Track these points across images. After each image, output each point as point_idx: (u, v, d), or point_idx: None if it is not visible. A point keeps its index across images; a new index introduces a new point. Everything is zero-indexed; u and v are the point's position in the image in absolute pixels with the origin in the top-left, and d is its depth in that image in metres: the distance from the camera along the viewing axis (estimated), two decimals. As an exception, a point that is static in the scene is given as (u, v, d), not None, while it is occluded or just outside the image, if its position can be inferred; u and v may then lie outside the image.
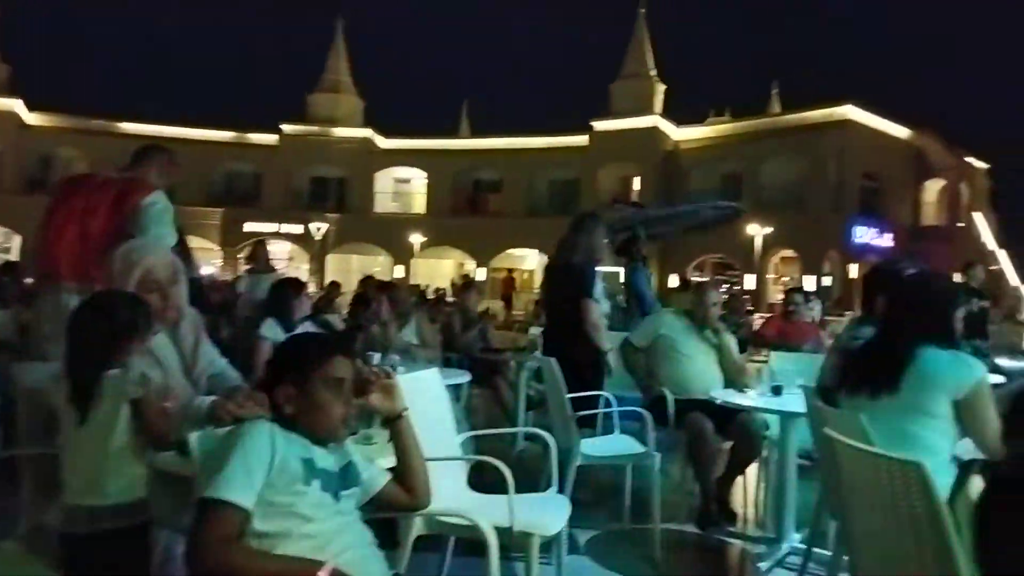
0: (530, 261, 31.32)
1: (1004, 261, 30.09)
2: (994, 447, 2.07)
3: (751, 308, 17.09)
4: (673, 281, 28.26)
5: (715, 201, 9.38)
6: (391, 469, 1.84)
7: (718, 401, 3.68)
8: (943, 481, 1.99)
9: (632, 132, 28.84)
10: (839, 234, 26.94)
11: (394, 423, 1.83)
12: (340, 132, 32.40)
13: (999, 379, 5.71)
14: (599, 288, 4.27)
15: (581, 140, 30.43)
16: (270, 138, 32.64)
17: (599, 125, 30.00)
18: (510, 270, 26.02)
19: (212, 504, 1.42)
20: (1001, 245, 30.43)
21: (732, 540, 3.70)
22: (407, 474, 1.81)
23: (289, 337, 1.91)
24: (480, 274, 30.86)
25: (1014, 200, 30.14)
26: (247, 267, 8.29)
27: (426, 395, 2.67)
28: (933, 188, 30.35)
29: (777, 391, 3.58)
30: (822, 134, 26.67)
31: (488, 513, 2.33)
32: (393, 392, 1.82)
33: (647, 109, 29.59)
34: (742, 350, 9.51)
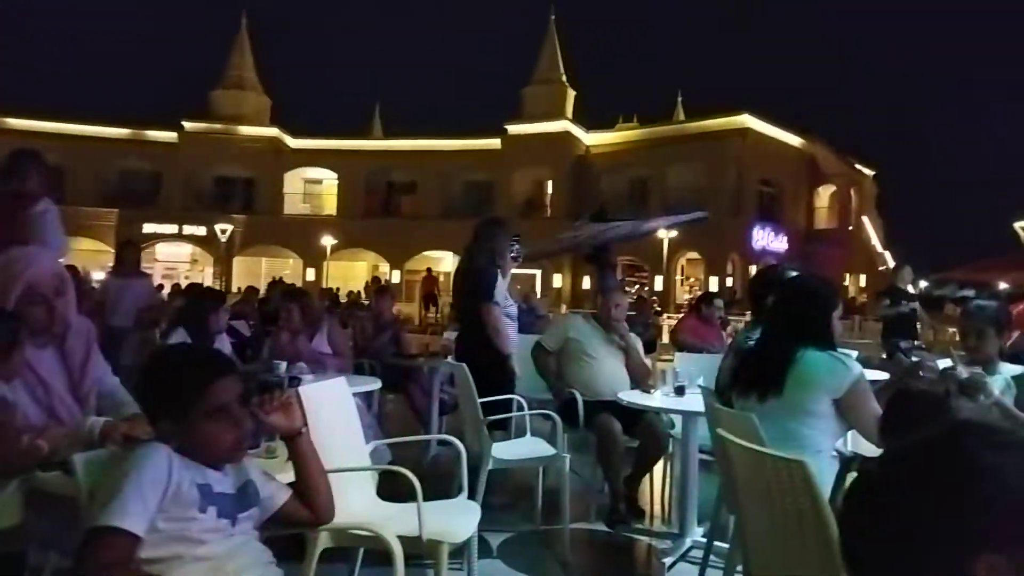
0: (446, 263, 31.20)
1: (890, 262, 32.29)
2: (877, 438, 2.21)
3: (659, 309, 17.69)
4: (586, 283, 28.88)
5: (686, 214, 9.46)
6: (293, 484, 1.79)
7: (624, 402, 3.77)
8: (829, 477, 2.12)
9: (544, 136, 29.24)
10: (740, 237, 28.20)
11: (293, 441, 1.75)
12: (246, 131, 31.30)
13: (882, 375, 6.13)
14: (501, 292, 4.24)
15: (495, 143, 30.58)
16: (170, 136, 31.17)
17: (512, 128, 30.25)
18: (429, 270, 25.80)
19: (103, 531, 1.36)
20: (886, 246, 32.64)
21: (639, 537, 3.81)
22: (307, 491, 1.75)
23: (153, 363, 1.69)
24: (395, 277, 30.53)
25: (897, 204, 32.31)
26: (110, 271, 7.49)
27: (333, 404, 2.63)
28: (825, 193, 32.23)
29: (680, 391, 3.72)
30: (723, 141, 27.85)
31: (397, 523, 2.31)
32: (291, 410, 1.74)
33: (559, 114, 30.06)
34: (650, 351, 9.78)
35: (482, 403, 3.69)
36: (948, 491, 0.72)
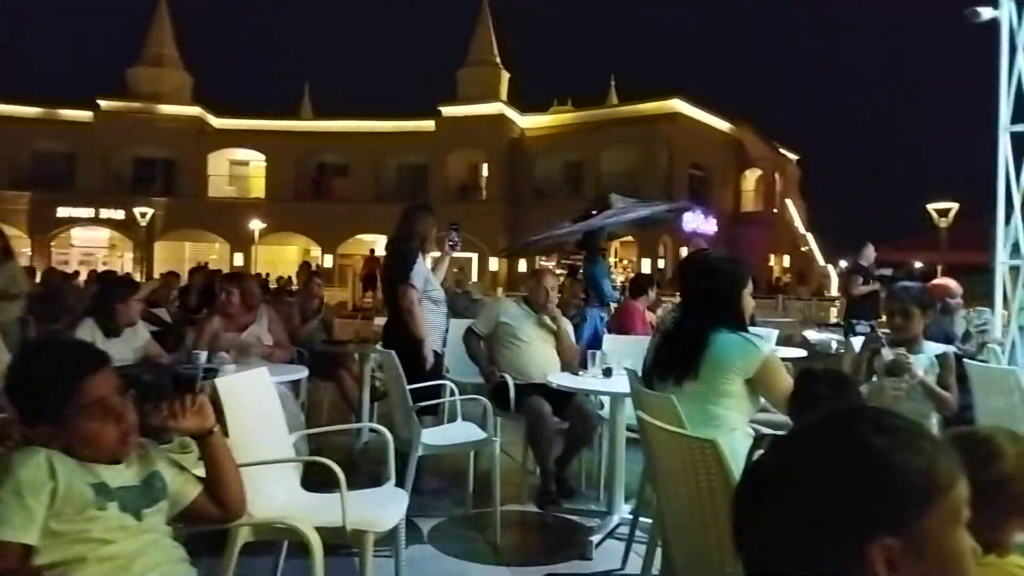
0: (380, 247, 30.82)
1: (812, 243, 33.57)
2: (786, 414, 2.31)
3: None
4: (522, 266, 29.01)
5: (672, 203, 9.26)
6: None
7: (553, 385, 3.82)
8: (742, 455, 2.19)
9: (479, 118, 29.08)
10: (672, 220, 28.79)
11: (204, 439, 1.70)
12: (166, 110, 30.02)
13: (800, 352, 6.35)
14: (421, 275, 4.16)
15: (429, 125, 30.24)
16: (85, 115, 29.61)
17: (447, 111, 29.95)
18: (372, 251, 25.36)
19: None
20: (808, 229, 33.90)
21: (569, 516, 3.87)
22: (218, 488, 1.70)
23: (21, 362, 1.61)
24: (327, 261, 29.95)
25: (818, 188, 33.57)
26: None
27: (255, 395, 2.57)
28: (752, 177, 33.19)
29: (608, 373, 3.78)
30: (654, 126, 28.29)
31: (319, 513, 2.29)
32: (203, 410, 1.68)
33: (493, 96, 29.92)
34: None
35: (413, 389, 3.67)
36: (840, 476, 0.72)
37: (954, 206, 17.32)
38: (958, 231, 18.05)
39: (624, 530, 3.39)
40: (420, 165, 30.48)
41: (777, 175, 32.53)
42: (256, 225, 28.21)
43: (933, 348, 2.88)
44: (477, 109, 29.28)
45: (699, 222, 29.63)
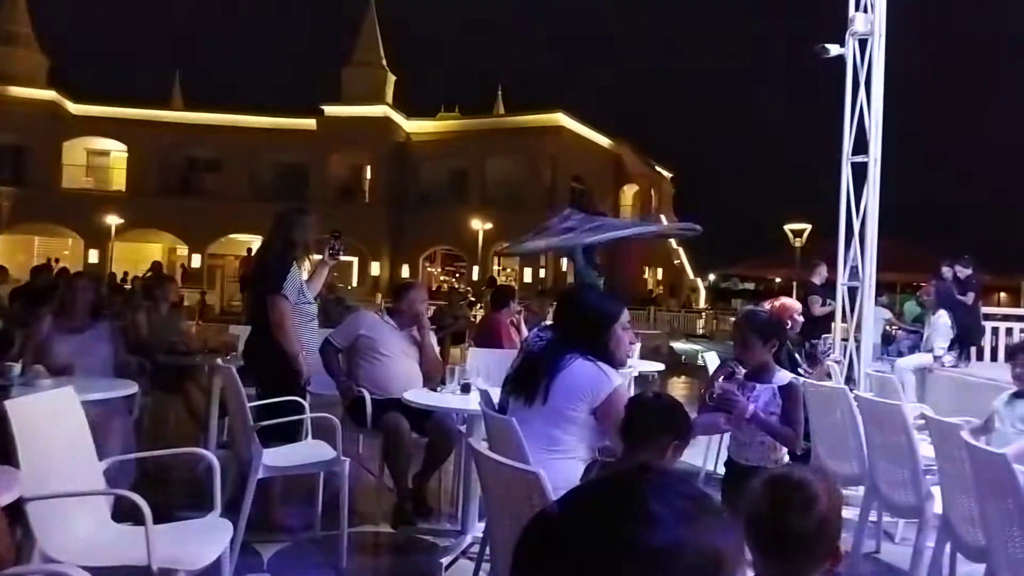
0: (255, 248, 29.51)
1: (683, 258, 35.24)
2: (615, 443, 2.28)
3: (473, 299, 17.91)
4: (405, 272, 28.63)
5: (676, 223, 8.33)
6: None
7: (406, 402, 3.70)
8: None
9: (363, 120, 28.48)
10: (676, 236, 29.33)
11: None
12: (17, 92, 27.38)
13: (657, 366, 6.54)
14: (294, 285, 3.86)
15: (310, 123, 29.30)
16: (-80, 92, 26.54)
17: (329, 110, 29.14)
18: (249, 250, 24.09)
19: None
20: (680, 244, 35.56)
21: (423, 536, 3.76)
22: None
23: None
24: (195, 260, 28.31)
25: (690, 205, 35.33)
26: None
27: (57, 418, 2.29)
28: (630, 192, 34.47)
29: (466, 388, 3.71)
30: (539, 138, 28.79)
31: (126, 550, 2.06)
32: None
33: (378, 98, 29.41)
34: (460, 342, 9.77)
35: (269, 404, 3.48)
36: (617, 538, 0.68)
37: (808, 227, 18.67)
38: (814, 250, 19.48)
39: (476, 549, 3.31)
40: (300, 164, 29.45)
41: (653, 191, 33.94)
42: (114, 220, 26.21)
43: (782, 378, 2.67)
44: (361, 110, 28.67)
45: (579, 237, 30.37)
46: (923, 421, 3.25)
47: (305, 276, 4.09)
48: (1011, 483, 2.20)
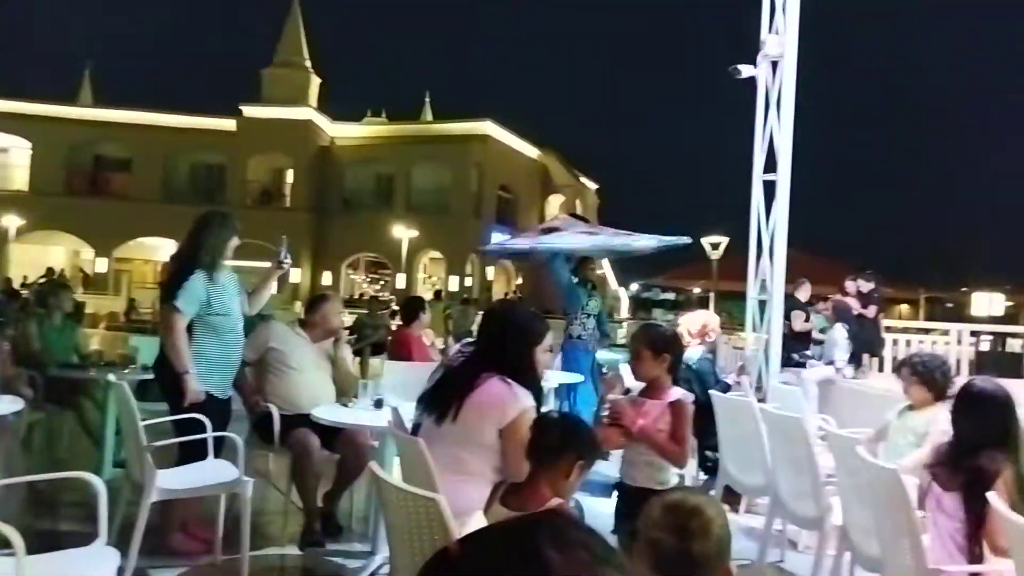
0: (166, 252, 28.26)
1: (607, 268, 35.85)
2: (515, 474, 2.14)
3: (396, 308, 17.64)
4: (327, 279, 28.01)
5: (665, 238, 7.76)
6: None
7: (314, 418, 3.57)
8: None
9: (285, 122, 27.74)
10: (479, 239, 29.35)
11: None
12: (-97, 80, 25.44)
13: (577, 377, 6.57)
14: (197, 296, 3.54)
15: (229, 124, 28.33)
16: None
17: (249, 111, 28.27)
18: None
19: None
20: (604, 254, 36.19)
21: (331, 558, 3.64)
22: None
23: None
24: (101, 265, 26.90)
25: (614, 217, 36.01)
26: None
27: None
28: (556, 202, 34.81)
29: (379, 404, 3.61)
30: (466, 145, 28.76)
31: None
32: None
33: (301, 100, 28.76)
34: (380, 352, 9.55)
35: (176, 422, 3.34)
36: None
37: (725, 240, 19.30)
38: (730, 262, 20.13)
39: (386, 570, 3.22)
40: (217, 166, 28.46)
41: (578, 202, 34.40)
42: (12, 221, 24.62)
43: (673, 394, 2.61)
44: (283, 112, 27.94)
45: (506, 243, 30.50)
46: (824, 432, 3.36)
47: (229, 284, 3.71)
48: (901, 496, 2.28)
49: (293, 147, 27.87)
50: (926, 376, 3.22)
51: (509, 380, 2.37)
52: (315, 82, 29.96)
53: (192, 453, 3.46)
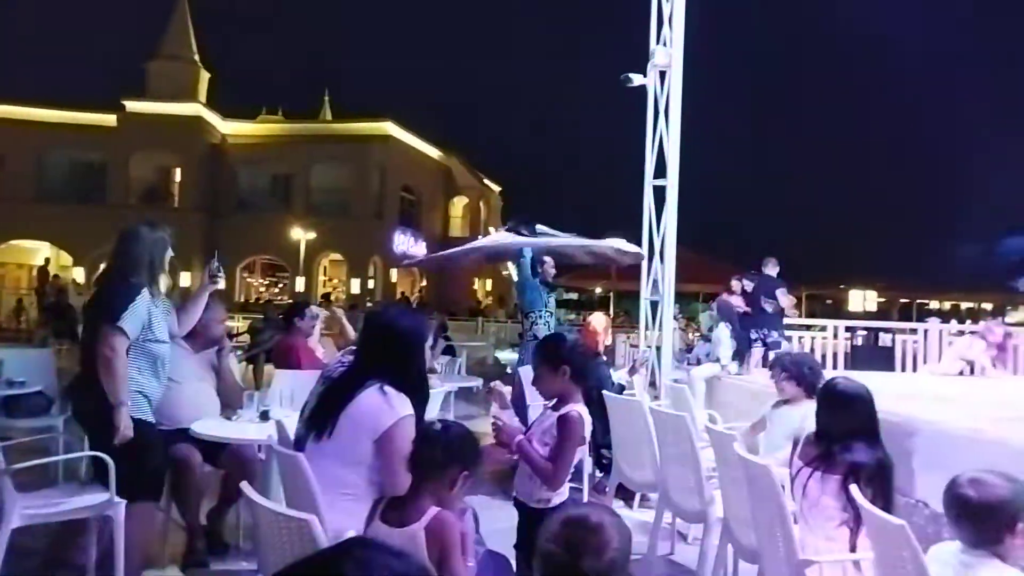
0: (42, 256, 26.27)
1: (511, 268, 36.14)
2: (393, 488, 2.06)
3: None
4: (185, 280, 26.79)
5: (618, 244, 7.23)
6: None
7: (192, 433, 3.40)
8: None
9: (171, 118, 26.41)
10: (382, 241, 28.92)
11: None
12: None
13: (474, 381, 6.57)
14: (139, 317, 3.17)
15: (109, 119, 26.70)
16: None
17: (132, 105, 26.73)
18: (47, 260, 21.16)
19: None
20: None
21: (215, 577, 3.47)
22: None
23: None
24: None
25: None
26: None
27: None
28: (459, 204, 34.85)
29: (265, 416, 3.48)
30: (367, 146, 28.30)
31: None
32: None
33: (190, 95, 27.46)
34: (268, 360, 9.16)
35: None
36: None
37: (622, 242, 19.74)
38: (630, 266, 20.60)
39: (275, 589, 3.10)
40: (97, 163, 26.77)
41: (482, 203, 34.56)
42: None
43: (566, 408, 2.50)
44: (169, 107, 26.59)
45: (409, 244, 30.22)
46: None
47: (163, 305, 3.36)
48: (773, 489, 2.40)
49: (181, 144, 26.56)
50: (795, 373, 3.41)
51: (386, 389, 2.27)
52: (204, 77, 28.69)
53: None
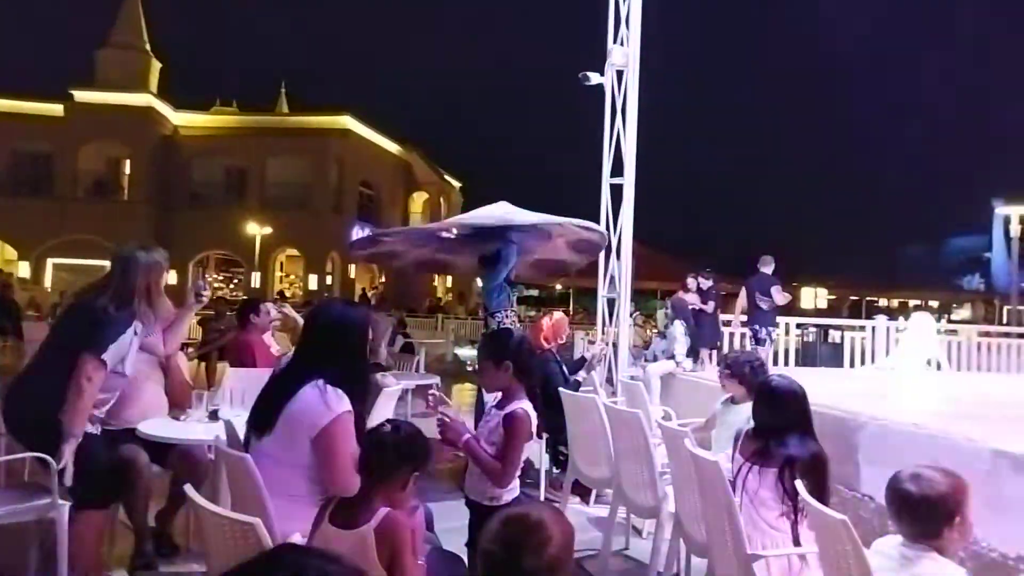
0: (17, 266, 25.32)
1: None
2: (337, 488, 2.04)
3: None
4: (172, 278, 26.16)
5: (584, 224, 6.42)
6: None
7: (139, 434, 3.32)
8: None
9: (121, 108, 25.64)
10: (340, 236, 28.56)
11: None
12: None
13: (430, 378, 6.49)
14: (119, 351, 3.07)
15: (56, 109, 25.83)
16: None
17: (81, 95, 25.89)
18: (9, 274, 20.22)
19: None
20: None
21: (164, 580, 3.39)
22: None
23: None
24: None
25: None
26: None
27: None
28: (419, 199, 34.62)
29: (214, 416, 3.41)
30: (325, 139, 27.91)
31: None
32: None
33: (140, 85, 26.70)
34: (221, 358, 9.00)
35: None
36: None
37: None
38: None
39: (225, 592, 3.04)
40: (43, 154, 25.88)
41: (442, 199, 34.39)
42: None
43: (512, 406, 2.50)
44: (119, 97, 25.81)
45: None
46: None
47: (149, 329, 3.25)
48: (722, 485, 2.44)
49: (131, 135, 25.83)
50: (737, 372, 3.49)
51: (324, 386, 2.22)
52: (156, 66, 27.95)
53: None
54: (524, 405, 2.49)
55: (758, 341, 7.61)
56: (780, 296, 7.73)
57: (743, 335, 8.54)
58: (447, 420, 2.42)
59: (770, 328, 7.83)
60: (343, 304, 2.70)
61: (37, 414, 3.00)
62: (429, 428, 2.27)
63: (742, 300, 8.16)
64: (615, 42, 6.54)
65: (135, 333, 3.15)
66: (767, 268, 7.98)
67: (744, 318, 8.12)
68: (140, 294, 3.16)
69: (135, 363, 3.81)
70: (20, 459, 3.31)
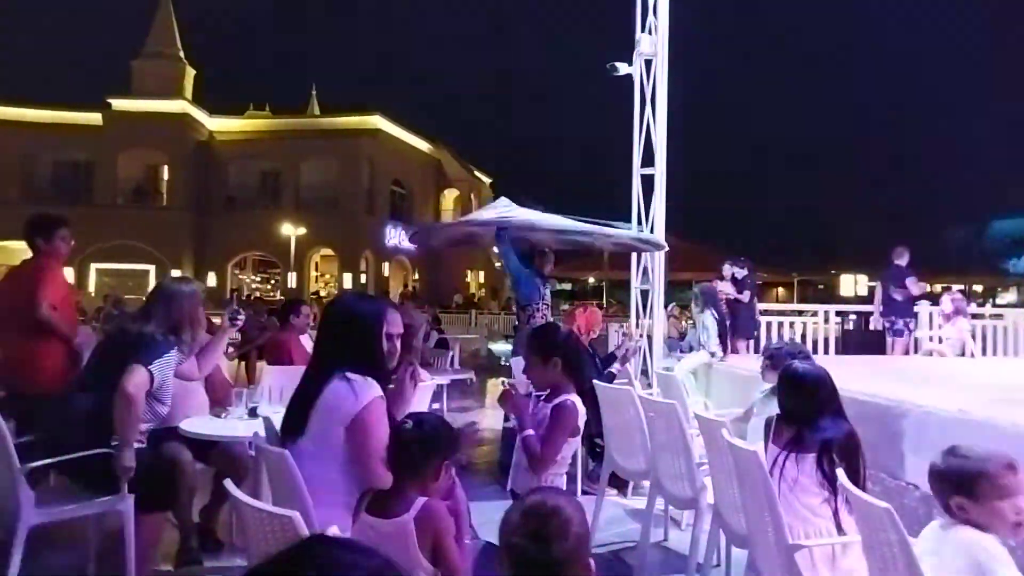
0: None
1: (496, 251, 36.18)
2: (371, 479, 2.05)
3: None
4: (211, 279, 26.72)
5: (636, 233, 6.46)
6: None
7: (181, 432, 3.39)
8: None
9: (158, 116, 26.24)
10: (373, 235, 28.86)
11: None
12: None
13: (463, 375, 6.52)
14: (163, 373, 3.17)
15: (95, 118, 26.50)
16: None
17: (118, 104, 26.53)
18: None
19: None
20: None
21: (209, 575, 3.46)
22: None
23: None
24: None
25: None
26: None
27: None
28: (450, 196, 34.77)
29: (253, 413, 3.47)
30: (356, 140, 28.18)
31: None
32: None
33: (176, 93, 27.28)
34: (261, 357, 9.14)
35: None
36: None
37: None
38: (620, 255, 20.58)
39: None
40: (83, 163, 26.60)
41: (473, 196, 34.48)
42: None
43: (560, 399, 2.53)
44: (155, 105, 26.41)
45: (400, 238, 30.18)
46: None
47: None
48: (762, 475, 2.41)
49: (168, 142, 26.41)
50: (777, 362, 3.42)
51: (349, 376, 2.23)
52: (190, 73, 28.50)
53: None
54: (573, 398, 2.51)
55: (895, 332, 7.73)
56: (915, 287, 7.90)
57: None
58: (514, 390, 2.45)
59: (908, 319, 7.97)
60: (354, 296, 2.73)
61: (86, 436, 3.04)
62: (465, 421, 2.28)
63: (879, 293, 8.34)
64: (643, 31, 6.47)
65: (177, 361, 3.27)
66: (901, 260, 8.12)
67: (882, 309, 8.28)
68: (183, 326, 3.30)
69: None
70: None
